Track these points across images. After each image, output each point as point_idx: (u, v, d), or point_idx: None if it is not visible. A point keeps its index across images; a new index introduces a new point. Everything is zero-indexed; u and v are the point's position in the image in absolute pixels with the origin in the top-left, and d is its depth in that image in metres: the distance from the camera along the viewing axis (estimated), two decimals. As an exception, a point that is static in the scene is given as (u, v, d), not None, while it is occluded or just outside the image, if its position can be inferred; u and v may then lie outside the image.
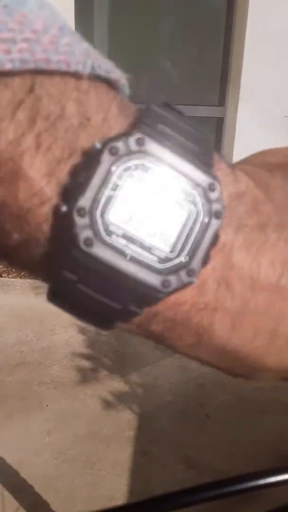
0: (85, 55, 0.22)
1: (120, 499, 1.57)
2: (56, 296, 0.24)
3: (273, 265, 0.26)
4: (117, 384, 2.09)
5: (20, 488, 1.61)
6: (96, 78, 0.23)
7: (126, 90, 0.26)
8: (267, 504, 0.64)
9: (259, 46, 2.59)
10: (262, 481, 0.58)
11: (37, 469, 1.65)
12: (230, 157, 2.88)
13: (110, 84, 0.25)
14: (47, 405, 1.95)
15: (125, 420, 1.89)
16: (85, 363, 2.22)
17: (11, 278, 3.11)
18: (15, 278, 3.11)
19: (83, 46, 0.23)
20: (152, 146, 0.23)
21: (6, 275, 3.18)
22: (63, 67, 0.21)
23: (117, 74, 0.25)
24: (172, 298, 0.24)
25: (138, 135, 0.23)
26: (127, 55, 3.58)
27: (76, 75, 0.22)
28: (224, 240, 0.25)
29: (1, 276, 3.15)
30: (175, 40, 3.52)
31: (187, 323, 0.25)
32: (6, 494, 1.58)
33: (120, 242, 0.23)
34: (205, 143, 0.25)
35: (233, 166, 0.27)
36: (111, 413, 1.93)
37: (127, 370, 2.19)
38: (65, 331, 2.47)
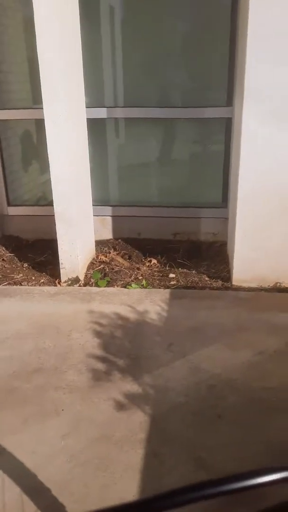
0: None
1: (132, 501, 1.61)
2: None
3: None
4: (130, 387, 2.13)
5: (38, 492, 1.67)
6: None
7: None
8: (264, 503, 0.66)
9: (261, 45, 2.57)
10: (251, 482, 0.60)
11: (52, 473, 1.70)
12: (238, 155, 2.87)
13: None
14: (62, 410, 2.01)
15: (137, 423, 1.93)
16: (100, 367, 2.27)
17: (30, 286, 3.20)
18: (34, 286, 3.20)
19: None
20: None
21: (26, 283, 3.27)
22: None
23: None
24: None
25: None
26: (139, 64, 3.63)
27: None
28: None
29: (21, 284, 3.24)
30: (183, 44, 3.54)
31: None
32: (25, 498, 1.64)
33: None
34: None
35: None
36: (123, 416, 1.97)
37: (140, 373, 2.23)
38: (81, 335, 2.53)
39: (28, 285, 3.22)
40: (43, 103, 2.93)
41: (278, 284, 3.04)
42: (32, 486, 1.67)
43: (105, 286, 3.06)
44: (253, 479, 0.58)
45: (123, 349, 2.41)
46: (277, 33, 2.53)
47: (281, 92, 2.64)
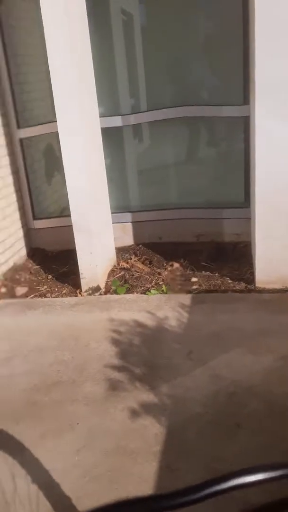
0: None
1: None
2: None
3: None
4: (147, 397, 2.10)
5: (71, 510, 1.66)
6: None
7: None
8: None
9: (269, 42, 2.51)
10: (250, 478, 0.58)
11: (65, 489, 1.70)
12: (254, 153, 2.79)
13: None
14: (78, 423, 2.00)
15: (153, 434, 1.89)
16: (117, 376, 2.26)
17: (53, 297, 3.24)
18: (57, 297, 3.23)
19: None
20: None
21: (50, 294, 3.31)
22: None
23: None
24: None
25: None
26: (161, 67, 3.64)
27: None
28: None
29: (45, 296, 3.29)
30: (198, 45, 3.51)
31: None
32: None
33: None
34: None
35: None
36: (139, 427, 1.94)
37: (158, 382, 2.19)
38: (99, 345, 2.52)
39: (51, 297, 3.26)
40: (57, 117, 2.96)
41: (304, 283, 2.92)
42: (66, 504, 1.66)
43: (124, 293, 3.05)
44: (252, 476, 0.56)
45: (141, 357, 2.38)
46: (283, 27, 2.46)
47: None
